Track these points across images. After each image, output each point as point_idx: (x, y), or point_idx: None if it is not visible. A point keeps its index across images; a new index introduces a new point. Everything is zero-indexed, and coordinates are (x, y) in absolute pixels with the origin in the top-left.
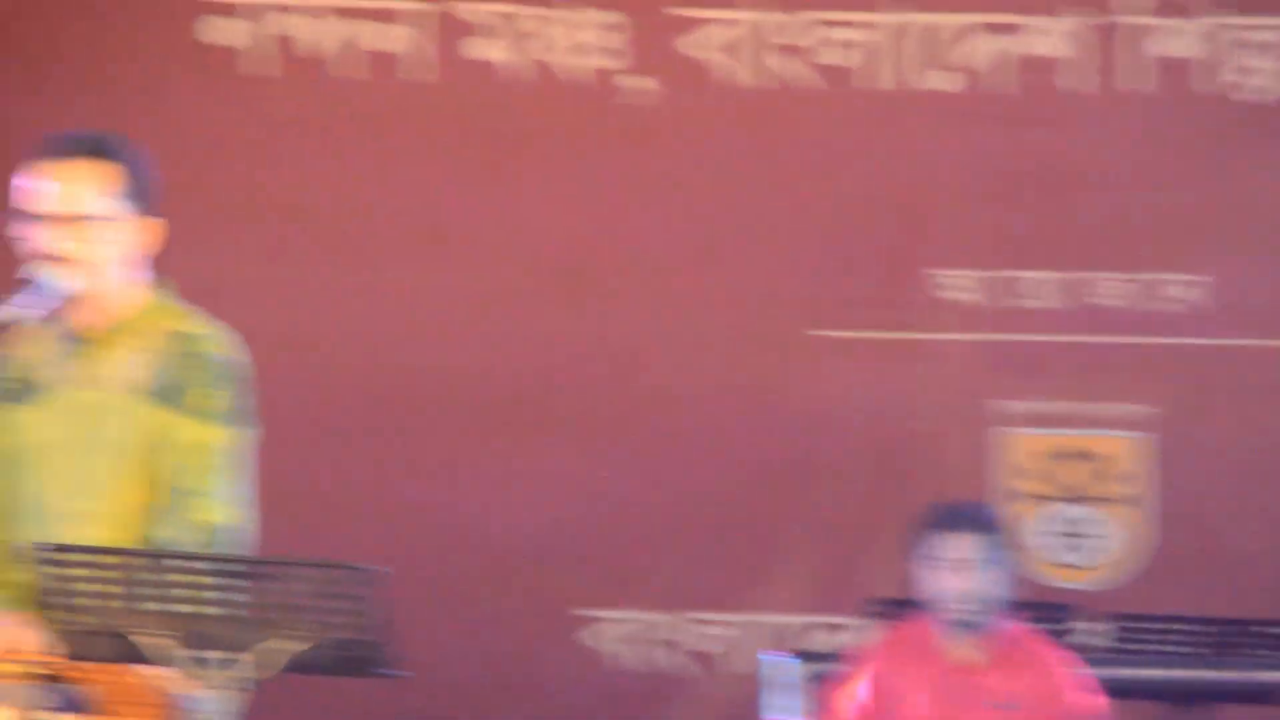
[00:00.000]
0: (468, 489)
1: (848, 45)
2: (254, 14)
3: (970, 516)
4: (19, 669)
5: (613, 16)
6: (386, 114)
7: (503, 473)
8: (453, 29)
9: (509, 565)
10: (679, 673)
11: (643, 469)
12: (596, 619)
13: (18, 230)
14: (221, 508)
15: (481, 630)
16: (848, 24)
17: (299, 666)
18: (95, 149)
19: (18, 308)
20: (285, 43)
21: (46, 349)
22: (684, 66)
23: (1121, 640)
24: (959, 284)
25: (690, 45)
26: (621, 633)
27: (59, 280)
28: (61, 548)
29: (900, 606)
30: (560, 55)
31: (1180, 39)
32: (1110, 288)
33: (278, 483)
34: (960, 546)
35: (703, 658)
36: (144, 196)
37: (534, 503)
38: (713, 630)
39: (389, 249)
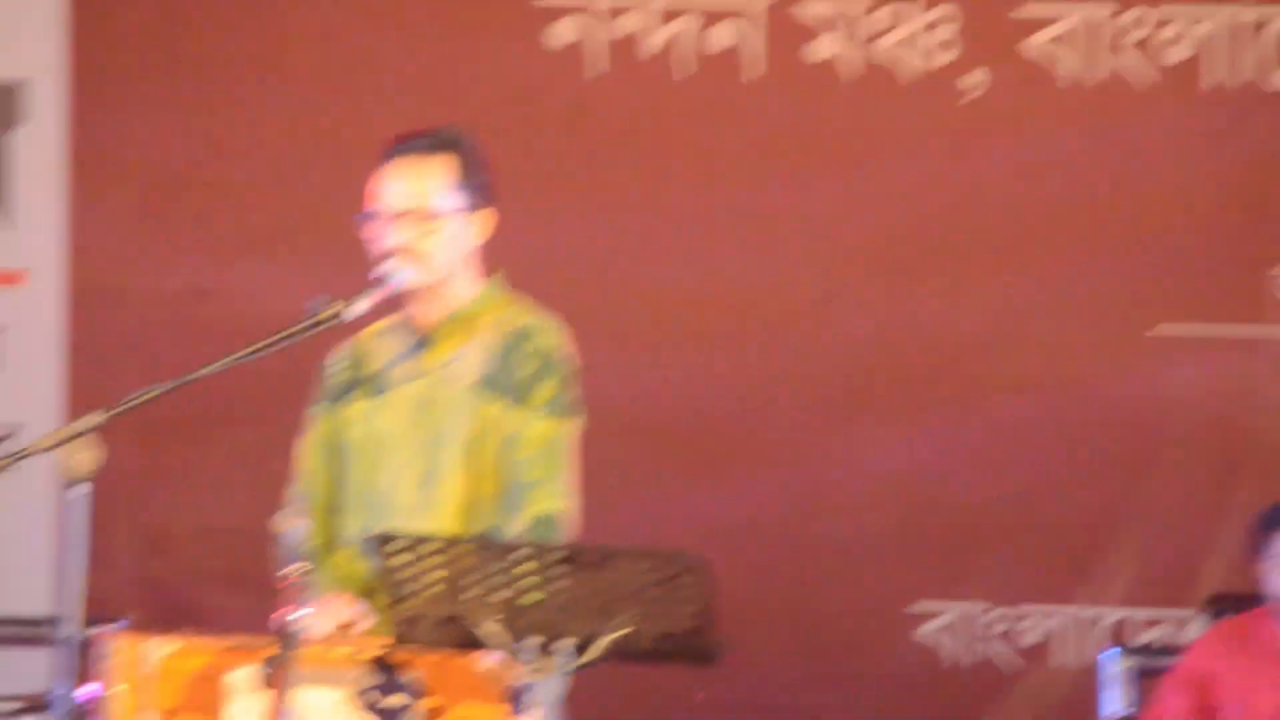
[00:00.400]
0: (797, 483)
1: (1188, 41)
2: (596, 18)
3: None
4: (351, 652)
5: (947, 10)
6: (720, 112)
7: (834, 467)
8: (785, 27)
9: (839, 559)
10: (1009, 667)
11: (976, 462)
12: (927, 613)
13: (366, 229)
14: (554, 498)
15: (810, 624)
16: (1190, 19)
17: (626, 654)
18: (437, 145)
19: (365, 303)
20: (624, 45)
21: (388, 343)
22: (1020, 62)
23: None
24: None
25: (1026, 40)
26: (952, 626)
27: (405, 275)
28: (398, 537)
29: (1238, 603)
30: (893, 51)
31: None
32: None
33: (606, 473)
34: None
35: (1033, 652)
36: (480, 189)
37: (865, 496)
38: (1043, 624)
39: (723, 245)
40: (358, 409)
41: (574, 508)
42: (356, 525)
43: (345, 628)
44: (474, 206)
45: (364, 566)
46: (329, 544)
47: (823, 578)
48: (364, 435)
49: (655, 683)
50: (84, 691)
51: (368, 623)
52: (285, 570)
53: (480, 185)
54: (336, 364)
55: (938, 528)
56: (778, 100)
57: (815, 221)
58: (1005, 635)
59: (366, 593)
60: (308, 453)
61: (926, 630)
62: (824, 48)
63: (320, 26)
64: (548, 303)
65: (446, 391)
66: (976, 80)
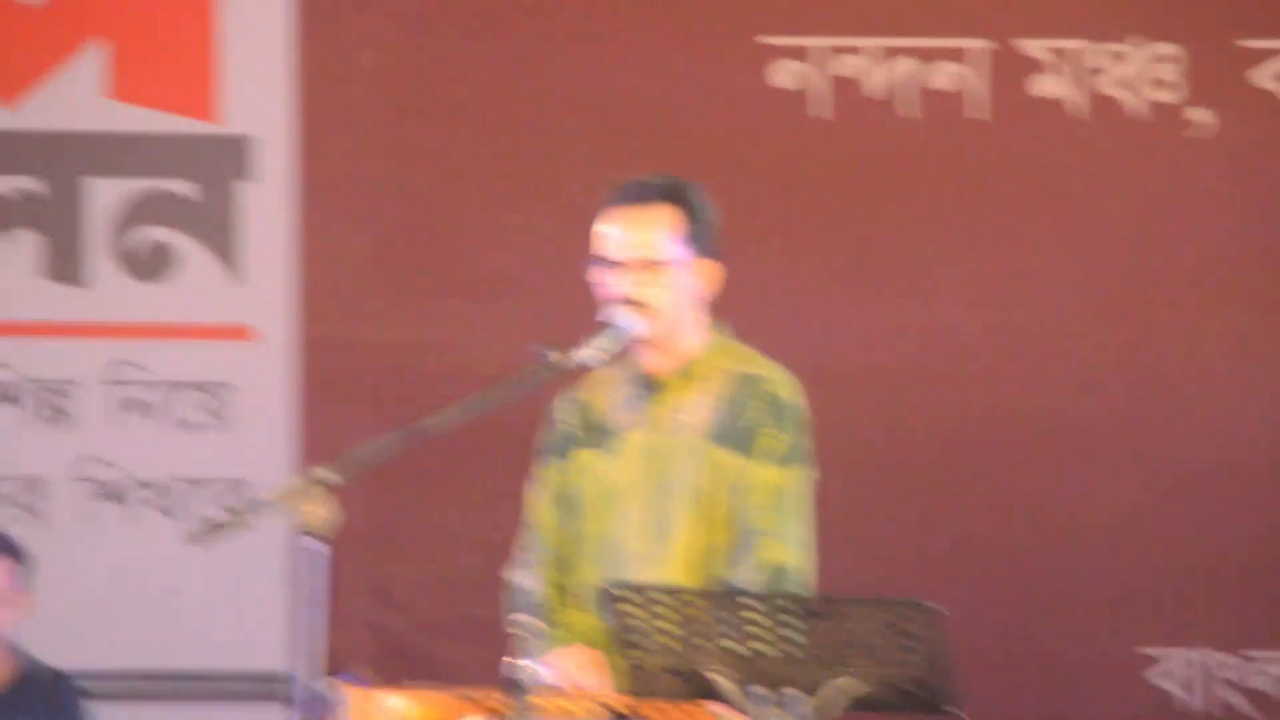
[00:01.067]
0: (1026, 525)
1: None
2: (819, 57)
3: None
4: (588, 705)
5: (1171, 49)
6: (944, 152)
7: (1063, 509)
8: (1009, 66)
9: (1070, 602)
10: (1245, 713)
11: (1202, 503)
12: (1160, 657)
13: (593, 275)
14: (788, 548)
15: (1042, 668)
16: None
17: (862, 705)
18: (665, 194)
19: (592, 352)
20: (847, 84)
21: (617, 393)
22: (1247, 98)
23: None
24: None
25: (1254, 76)
26: (1185, 671)
27: (632, 324)
28: (632, 587)
29: None
30: (1117, 89)
31: None
32: None
33: (839, 523)
34: None
35: (1262, 698)
36: (708, 239)
37: (1095, 539)
38: (1275, 670)
39: (949, 283)
40: (587, 460)
41: (807, 557)
42: (588, 576)
43: (582, 678)
44: (700, 256)
45: (595, 618)
46: (561, 595)
47: (1053, 622)
48: (594, 486)
49: None
50: None
51: (604, 673)
52: (515, 621)
53: (706, 235)
54: (564, 414)
55: (1168, 569)
56: (1002, 138)
57: (1042, 259)
58: (1236, 680)
59: (597, 644)
60: (538, 504)
61: (1157, 673)
62: (1047, 85)
63: (547, 72)
64: (771, 347)
65: (676, 441)
66: (1200, 117)
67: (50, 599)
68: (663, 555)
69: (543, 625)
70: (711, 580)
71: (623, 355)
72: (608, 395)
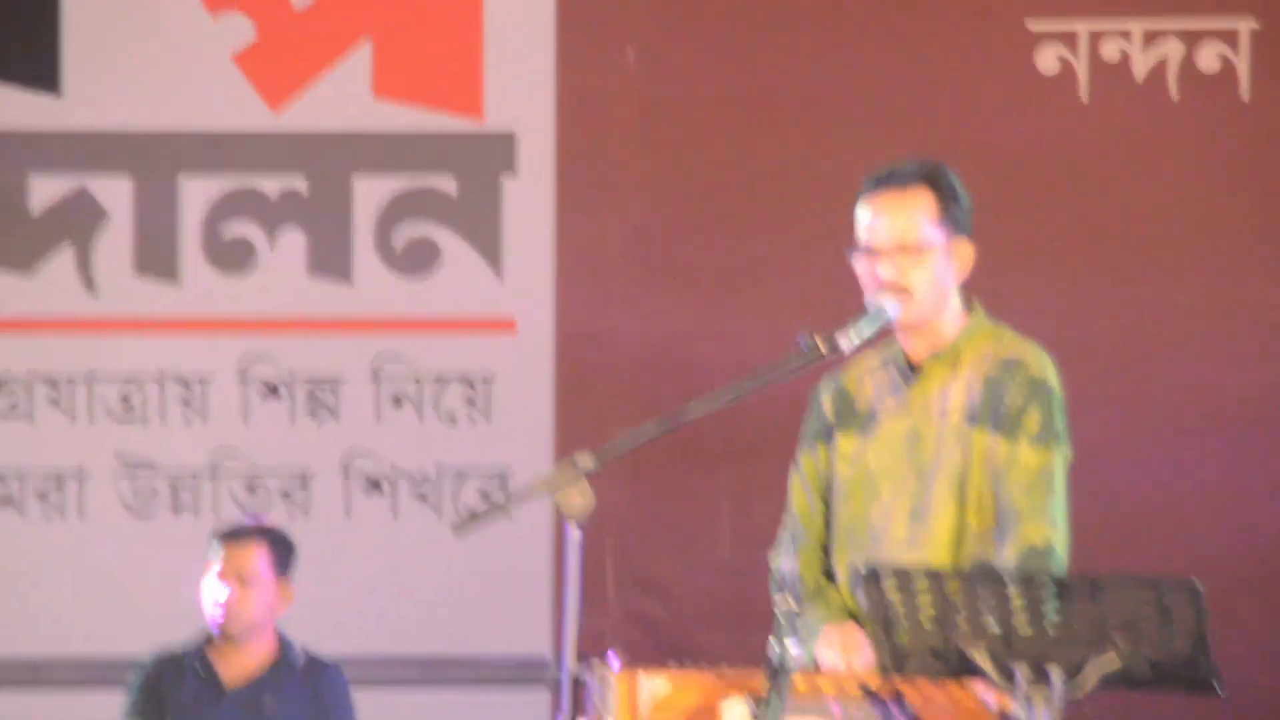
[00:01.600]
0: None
1: None
2: (1091, 41)
3: None
4: (843, 684)
5: None
6: (1208, 137)
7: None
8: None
9: None
10: None
11: None
12: None
13: (853, 262)
14: (1047, 528)
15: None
16: None
17: (1124, 682)
18: (919, 178)
19: (852, 337)
20: (1112, 69)
21: (876, 379)
22: None
23: None
24: None
25: None
26: None
27: (892, 309)
28: (889, 570)
29: None
30: None
31: None
32: None
33: (1094, 500)
34: None
35: None
36: (960, 221)
37: None
38: None
39: (1217, 270)
40: (848, 445)
41: (1065, 536)
42: (848, 560)
43: (850, 656)
44: (955, 239)
45: (854, 601)
46: (822, 579)
47: None
48: (855, 471)
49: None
50: None
51: (869, 652)
52: (777, 605)
53: (960, 217)
54: (826, 400)
55: None
56: (1272, 118)
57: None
58: None
59: (869, 624)
60: (798, 490)
61: None
62: None
63: (805, 62)
64: (1030, 329)
65: (936, 425)
66: None
67: (317, 590)
68: (923, 538)
69: (802, 610)
70: (973, 561)
71: (884, 340)
72: (869, 380)
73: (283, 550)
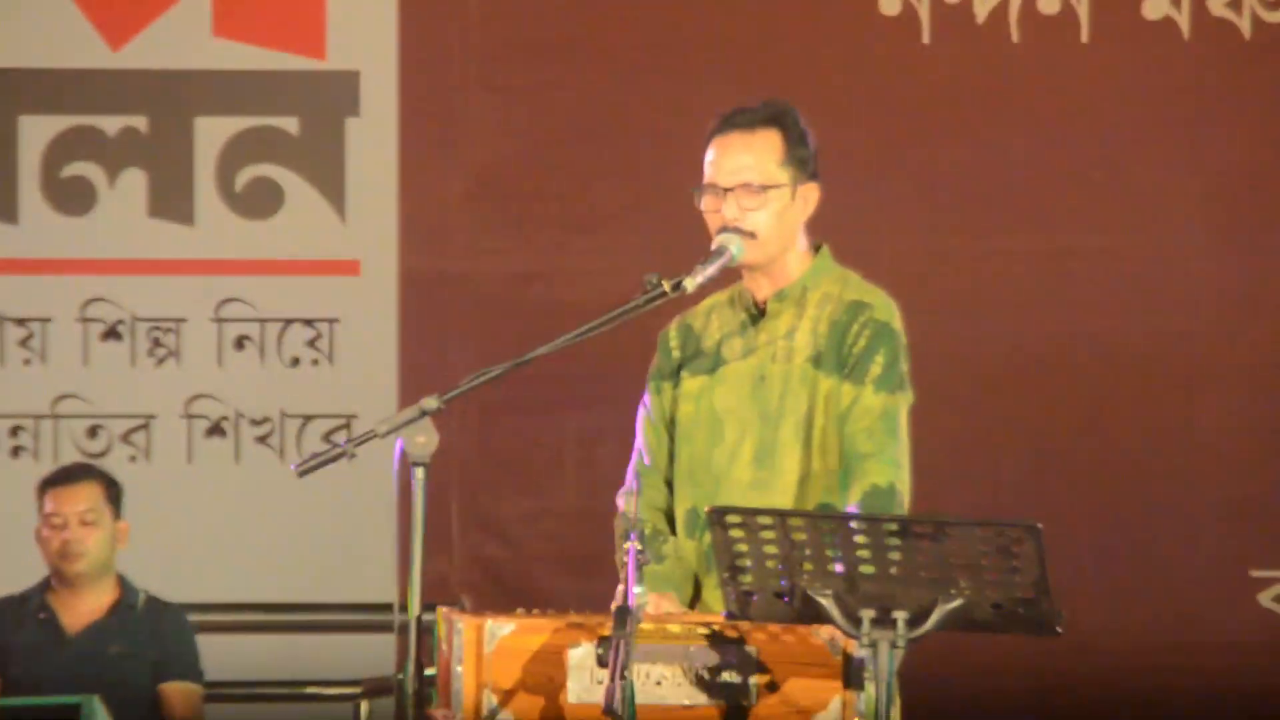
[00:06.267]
0: (1138, 448)
1: None
2: None
3: None
4: (687, 628)
5: None
6: (1050, 79)
7: (1175, 432)
8: None
9: (1183, 524)
10: None
11: None
12: (1272, 580)
13: (700, 200)
14: (887, 470)
15: (1154, 590)
16: None
17: (958, 624)
18: (766, 119)
19: (697, 278)
20: (954, 11)
21: (721, 319)
22: None
23: None
24: None
25: None
26: None
27: (736, 248)
28: (738, 511)
29: None
30: (1226, 10)
31: None
32: None
33: (950, 446)
34: None
35: None
36: (807, 162)
37: (1208, 462)
38: None
39: (1058, 209)
40: (693, 384)
41: (907, 478)
42: (690, 501)
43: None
44: (801, 180)
45: (701, 543)
46: (668, 521)
47: (1164, 540)
48: (699, 411)
49: (988, 653)
50: None
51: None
52: (622, 548)
53: (806, 158)
54: (673, 341)
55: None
56: (1108, 61)
57: (1152, 182)
58: None
59: (701, 569)
60: (646, 428)
61: (1269, 596)
62: (1156, 8)
63: (647, 4)
64: (875, 273)
65: (781, 367)
66: None
67: (160, 535)
68: (769, 480)
69: (647, 552)
70: (816, 504)
71: (731, 282)
72: (716, 322)
73: (114, 488)
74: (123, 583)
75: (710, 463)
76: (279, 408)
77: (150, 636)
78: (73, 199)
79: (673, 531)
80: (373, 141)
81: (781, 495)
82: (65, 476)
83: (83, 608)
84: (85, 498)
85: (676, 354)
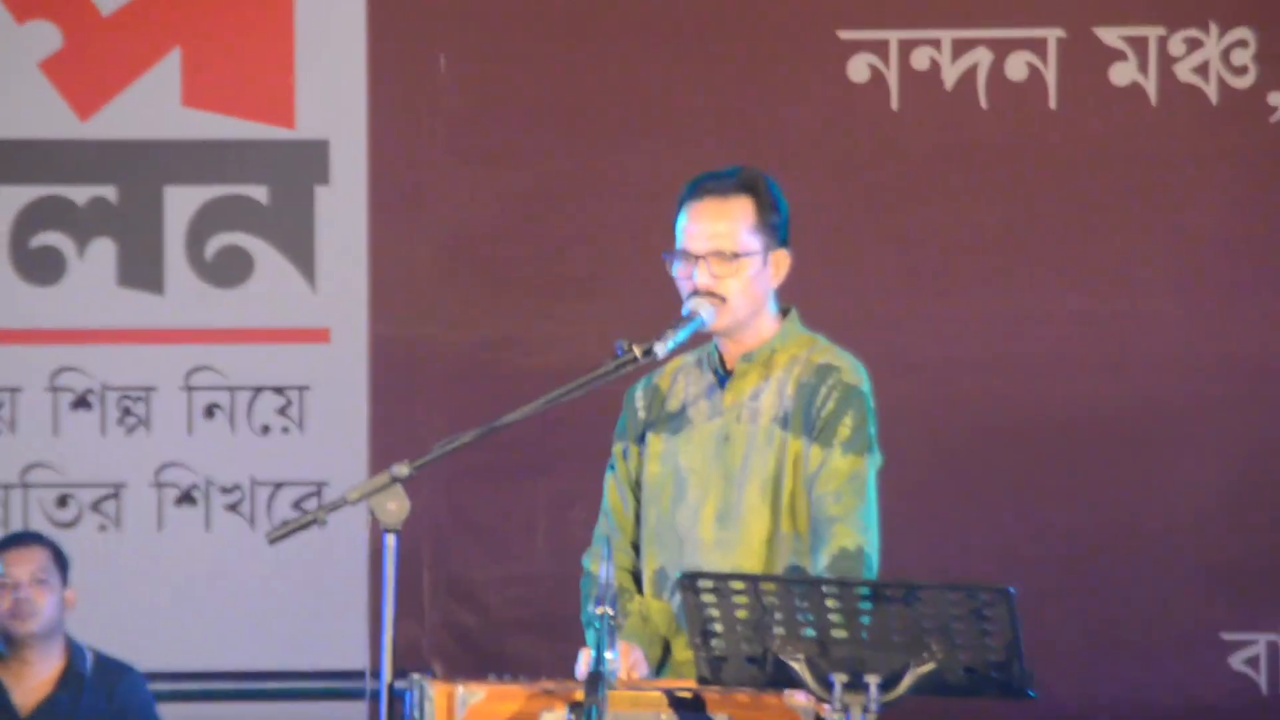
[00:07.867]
0: (1110, 511)
1: None
2: (901, 50)
3: None
4: (660, 694)
5: (1245, 33)
6: (1019, 143)
7: (1147, 495)
8: (1081, 54)
9: (1155, 587)
10: None
11: None
12: (1244, 643)
13: (672, 266)
14: (856, 533)
15: (1126, 653)
16: None
17: (931, 688)
18: (739, 187)
19: (669, 343)
20: (923, 77)
21: (692, 381)
22: None
23: None
24: None
25: None
26: (1269, 657)
27: (708, 315)
28: (709, 576)
29: None
30: (1193, 76)
31: None
32: None
33: (911, 502)
34: None
35: None
36: (778, 229)
37: (1181, 524)
38: None
39: (1030, 271)
40: (658, 444)
41: (876, 543)
42: (658, 561)
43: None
44: (773, 246)
45: (668, 604)
46: (635, 582)
47: (1137, 602)
48: (664, 471)
49: (961, 717)
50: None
51: (644, 669)
52: (592, 612)
53: (778, 225)
54: (639, 401)
55: (1254, 555)
56: (1079, 127)
57: (1124, 247)
58: None
59: (670, 631)
60: (612, 489)
61: (1240, 659)
62: (1123, 74)
63: (622, 71)
64: (845, 335)
65: (746, 429)
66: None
67: (130, 603)
68: (733, 541)
69: (617, 615)
70: (784, 568)
71: (699, 343)
72: (683, 383)
73: (62, 557)
74: (70, 644)
75: (674, 523)
76: (249, 475)
77: (104, 700)
78: (42, 269)
79: (639, 591)
80: (342, 209)
81: (746, 556)
82: (16, 540)
83: (33, 680)
84: (36, 559)
85: (643, 415)
